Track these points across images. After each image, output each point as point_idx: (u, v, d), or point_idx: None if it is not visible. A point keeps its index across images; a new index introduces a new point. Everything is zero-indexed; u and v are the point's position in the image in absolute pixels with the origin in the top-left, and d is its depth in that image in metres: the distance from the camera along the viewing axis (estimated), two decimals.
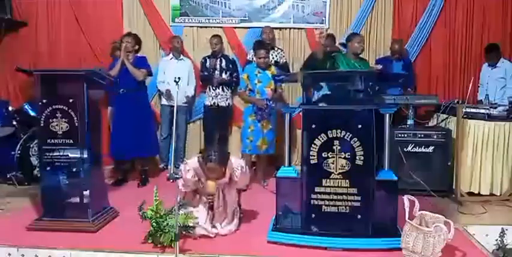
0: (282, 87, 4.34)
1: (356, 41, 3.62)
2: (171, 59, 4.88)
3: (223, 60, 4.81)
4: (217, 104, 4.77)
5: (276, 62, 4.77)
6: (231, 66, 4.82)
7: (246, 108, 4.25)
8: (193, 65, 4.99)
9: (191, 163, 2.94)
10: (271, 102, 4.11)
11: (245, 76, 4.19)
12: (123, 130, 4.13)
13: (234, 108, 5.02)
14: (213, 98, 4.79)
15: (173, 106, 4.66)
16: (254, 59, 4.29)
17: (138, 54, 4.32)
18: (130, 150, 4.14)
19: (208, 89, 4.86)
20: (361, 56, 3.73)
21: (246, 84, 4.16)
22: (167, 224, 2.65)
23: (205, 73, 4.81)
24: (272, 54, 4.79)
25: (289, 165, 2.97)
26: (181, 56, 4.92)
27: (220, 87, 4.76)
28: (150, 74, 4.41)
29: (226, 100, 4.81)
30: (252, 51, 4.56)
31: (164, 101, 4.90)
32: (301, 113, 2.91)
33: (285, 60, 4.91)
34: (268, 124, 4.14)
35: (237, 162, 2.98)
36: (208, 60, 4.84)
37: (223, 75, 4.75)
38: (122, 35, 4.37)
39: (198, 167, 2.92)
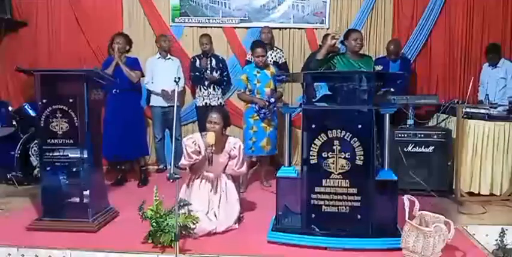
0: (282, 87, 4.25)
1: (352, 38, 3.38)
2: (158, 58, 4.80)
3: (213, 60, 4.80)
4: (209, 104, 4.74)
5: (275, 62, 4.77)
6: (221, 65, 4.82)
7: (247, 110, 4.10)
8: (182, 65, 4.92)
9: (194, 135, 3.24)
10: (273, 100, 4.01)
11: (244, 77, 4.07)
12: (115, 131, 4.04)
13: (236, 109, 5.00)
14: (204, 99, 4.78)
15: (164, 107, 4.66)
16: (253, 59, 4.24)
17: (131, 56, 4.27)
18: (122, 151, 4.09)
19: (199, 89, 4.83)
20: (362, 53, 3.59)
21: (246, 85, 4.06)
22: (167, 224, 2.65)
23: (196, 73, 4.78)
24: (271, 54, 4.79)
25: (289, 165, 2.97)
26: (169, 55, 4.85)
27: (211, 86, 4.75)
28: (142, 75, 4.38)
29: (218, 100, 4.79)
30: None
31: (154, 102, 4.80)
32: (301, 113, 2.91)
33: (284, 60, 4.91)
34: (271, 124, 4.07)
35: (235, 141, 3.23)
36: (198, 60, 4.82)
37: (214, 74, 4.73)
38: (112, 36, 4.21)
39: (200, 138, 3.12)
